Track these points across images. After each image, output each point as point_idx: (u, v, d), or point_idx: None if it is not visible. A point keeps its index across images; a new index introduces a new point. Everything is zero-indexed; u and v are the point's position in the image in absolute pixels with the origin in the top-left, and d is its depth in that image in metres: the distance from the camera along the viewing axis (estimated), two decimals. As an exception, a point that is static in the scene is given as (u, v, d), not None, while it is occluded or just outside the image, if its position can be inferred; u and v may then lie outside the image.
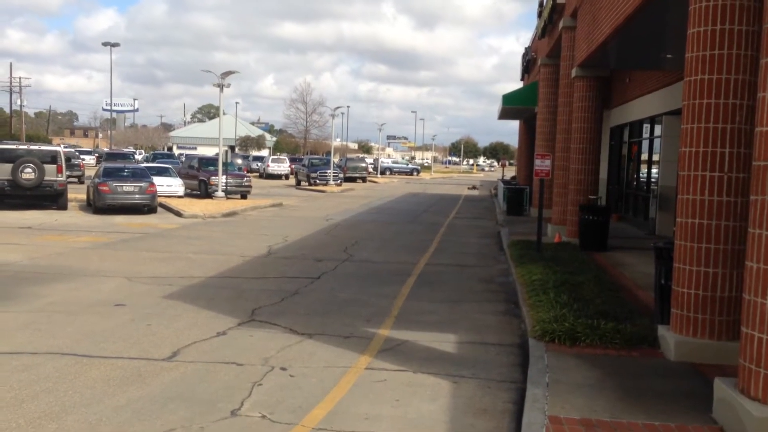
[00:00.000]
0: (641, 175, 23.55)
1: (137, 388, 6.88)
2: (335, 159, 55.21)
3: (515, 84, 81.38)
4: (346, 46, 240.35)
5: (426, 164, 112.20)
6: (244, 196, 32.89)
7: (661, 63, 16.98)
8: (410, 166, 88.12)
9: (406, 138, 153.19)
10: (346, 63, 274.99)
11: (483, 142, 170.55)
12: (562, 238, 18.17)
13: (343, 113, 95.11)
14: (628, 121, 24.29)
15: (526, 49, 36.21)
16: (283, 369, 7.58)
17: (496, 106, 39.21)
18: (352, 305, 10.92)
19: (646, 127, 22.61)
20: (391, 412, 6.47)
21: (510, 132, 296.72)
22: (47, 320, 9.35)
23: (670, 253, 8.43)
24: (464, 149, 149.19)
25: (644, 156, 23.21)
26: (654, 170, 21.52)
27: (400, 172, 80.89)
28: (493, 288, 12.92)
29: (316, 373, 7.52)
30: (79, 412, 6.19)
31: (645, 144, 22.95)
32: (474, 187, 48.27)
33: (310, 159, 54.93)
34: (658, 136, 20.90)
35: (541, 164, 15.93)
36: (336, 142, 74.95)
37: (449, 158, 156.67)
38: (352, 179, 55.48)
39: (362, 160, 65.78)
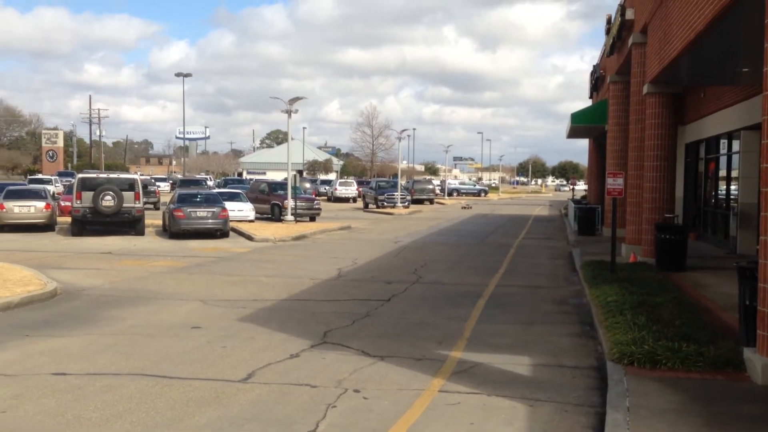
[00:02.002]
0: (720, 192, 22.76)
1: (215, 408, 7.00)
2: (402, 181, 55.37)
3: (581, 103, 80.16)
4: (408, 69, 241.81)
5: (493, 185, 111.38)
6: (313, 219, 33.40)
7: (736, 78, 16.45)
8: (477, 187, 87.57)
9: (472, 159, 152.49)
10: (410, 86, 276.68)
11: (551, 162, 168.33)
12: (638, 258, 17.69)
13: (409, 135, 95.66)
14: (703, 137, 23.55)
15: (594, 66, 35.69)
16: (357, 391, 7.60)
17: (563, 125, 38.65)
18: (424, 327, 10.87)
19: (723, 142, 21.88)
20: (466, 436, 6.38)
21: (579, 151, 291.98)
22: (128, 342, 9.64)
23: (754, 272, 8.09)
24: (532, 169, 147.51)
25: (722, 172, 22.43)
26: (733, 187, 20.77)
27: (467, 193, 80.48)
28: (566, 309, 12.66)
29: (389, 395, 7.50)
30: (161, 432, 6.35)
31: (723, 160, 22.19)
32: (468, 206, 49.05)
33: (377, 182, 55.28)
34: (736, 152, 20.19)
35: (614, 183, 15.59)
36: (403, 165, 75.28)
37: (517, 178, 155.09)
38: (420, 201, 55.50)
39: (429, 182, 65.78)
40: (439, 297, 13.67)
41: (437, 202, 59.70)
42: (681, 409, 6.80)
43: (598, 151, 38.70)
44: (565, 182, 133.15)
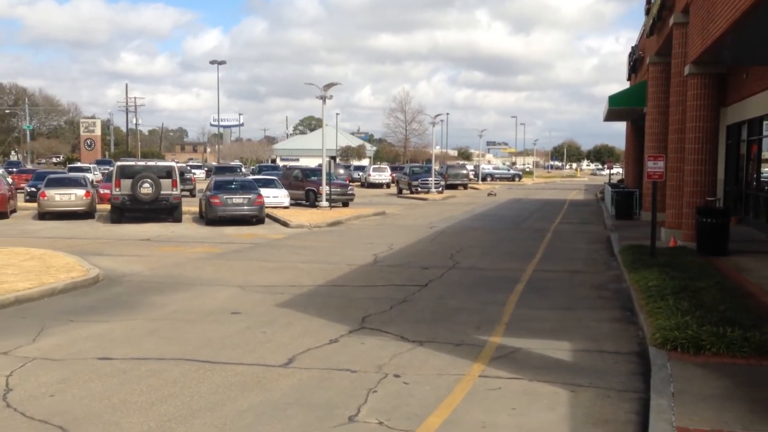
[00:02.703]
0: (762, 175, 22.23)
1: (257, 393, 7.07)
2: (436, 166, 55.17)
3: (617, 85, 78.79)
4: (441, 54, 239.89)
5: (527, 169, 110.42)
6: (346, 204, 33.53)
7: (782, 56, 16.00)
8: (511, 171, 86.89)
9: (506, 143, 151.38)
10: (442, 71, 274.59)
11: (586, 145, 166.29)
12: (678, 242, 17.39)
13: (442, 120, 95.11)
14: (746, 119, 23.00)
15: (632, 47, 35.05)
16: (397, 376, 7.61)
17: (599, 108, 38.10)
18: (462, 312, 10.84)
19: (767, 124, 21.34)
20: (509, 421, 6.36)
21: (615, 134, 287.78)
22: (170, 328, 9.78)
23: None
24: (567, 153, 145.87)
25: (765, 155, 21.90)
26: (776, 169, 20.27)
27: (501, 178, 79.94)
28: (606, 295, 12.51)
29: (429, 380, 7.50)
30: (205, 416, 6.43)
31: (766, 142, 21.66)
32: (493, 192, 46.55)
33: (411, 167, 55.16)
34: (780, 133, 19.68)
35: (654, 166, 15.32)
36: (436, 150, 74.97)
37: (551, 162, 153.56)
38: (454, 186, 55.29)
39: (463, 167, 65.45)
40: (476, 282, 13.62)
41: (471, 187, 59.40)
42: (726, 394, 6.69)
43: (636, 134, 38.09)
44: (601, 166, 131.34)
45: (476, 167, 78.89)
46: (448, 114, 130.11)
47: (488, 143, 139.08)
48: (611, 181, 44.92)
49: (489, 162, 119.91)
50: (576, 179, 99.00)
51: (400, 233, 22.55)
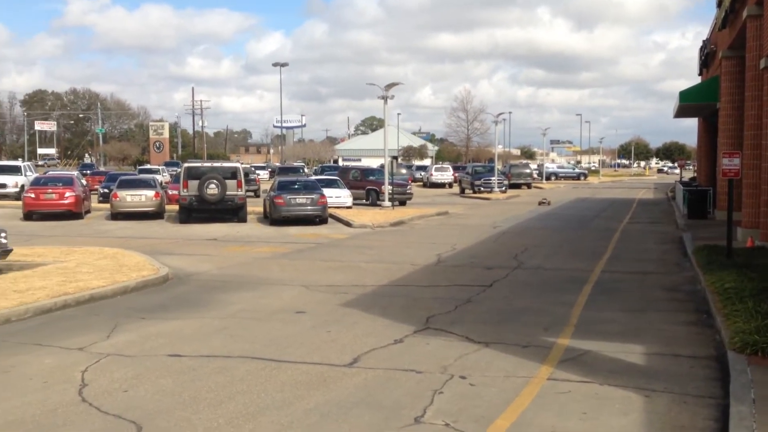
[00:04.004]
0: None
1: (323, 392, 7.08)
2: (499, 166, 54.59)
3: (686, 81, 76.34)
4: (501, 53, 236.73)
5: (593, 168, 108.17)
6: (403, 203, 33.58)
7: None
8: (576, 170, 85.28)
9: (570, 142, 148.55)
10: (504, 69, 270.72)
11: (655, 143, 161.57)
12: (755, 242, 16.69)
13: (504, 119, 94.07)
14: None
15: (703, 41, 33.89)
16: (463, 377, 7.50)
17: (667, 105, 37.01)
18: (528, 313, 10.65)
19: None
20: (579, 426, 6.18)
21: (685, 131, 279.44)
22: (237, 326, 9.91)
23: None
24: (634, 151, 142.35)
25: None
26: None
27: (566, 177, 78.56)
28: (679, 297, 12.10)
29: (496, 382, 7.37)
30: (272, 413, 6.46)
31: None
32: (545, 201, 37.42)
33: (473, 167, 54.74)
34: None
35: (730, 163, 14.74)
36: (498, 149, 74.20)
37: (618, 161, 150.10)
38: (517, 186, 54.61)
39: (526, 165, 64.61)
40: (542, 283, 13.37)
41: (535, 187, 58.56)
42: (814, 403, 6.34)
43: (708, 131, 36.82)
44: (671, 163, 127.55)
45: (540, 166, 77.73)
46: (510, 113, 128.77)
47: (552, 142, 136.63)
48: (683, 179, 43.52)
49: (553, 161, 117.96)
50: (645, 178, 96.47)
51: (463, 233, 22.36)
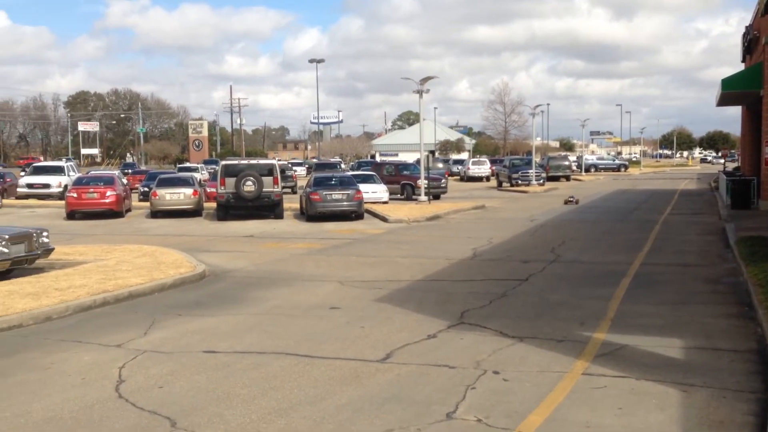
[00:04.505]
0: None
1: (355, 388, 7.08)
2: (537, 158, 54.04)
3: (730, 68, 74.54)
4: (539, 44, 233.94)
5: (634, 159, 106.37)
6: (437, 197, 33.47)
7: None
8: (617, 161, 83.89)
9: (610, 133, 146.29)
10: (542, 61, 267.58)
11: (698, 132, 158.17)
12: (800, 232, 16.23)
13: (542, 111, 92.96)
14: None
15: (746, 27, 33.02)
16: (496, 373, 7.43)
17: (710, 93, 36.12)
18: (564, 307, 10.51)
19: None
20: (615, 422, 6.07)
21: (729, 120, 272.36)
22: (271, 322, 9.98)
23: None
24: (677, 141, 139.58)
25: None
26: None
27: (605, 169, 77.36)
28: (720, 289, 11.82)
29: (530, 377, 7.28)
30: (305, 409, 6.49)
31: None
32: (572, 198, 31.83)
33: (510, 160, 54.29)
34: None
35: (772, 151, 14.32)
36: (537, 141, 73.46)
37: (660, 151, 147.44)
38: (555, 178, 53.97)
39: (565, 158, 63.80)
40: (579, 276, 13.19)
41: (574, 179, 57.84)
42: None
43: (752, 119, 35.88)
44: (715, 153, 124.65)
45: (579, 158, 76.68)
46: (548, 104, 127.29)
47: (592, 133, 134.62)
48: (726, 168, 42.50)
49: (593, 152, 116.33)
50: (687, 168, 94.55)
51: (500, 227, 22.18)
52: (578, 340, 8.66)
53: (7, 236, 13.12)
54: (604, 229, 21.42)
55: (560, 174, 55.44)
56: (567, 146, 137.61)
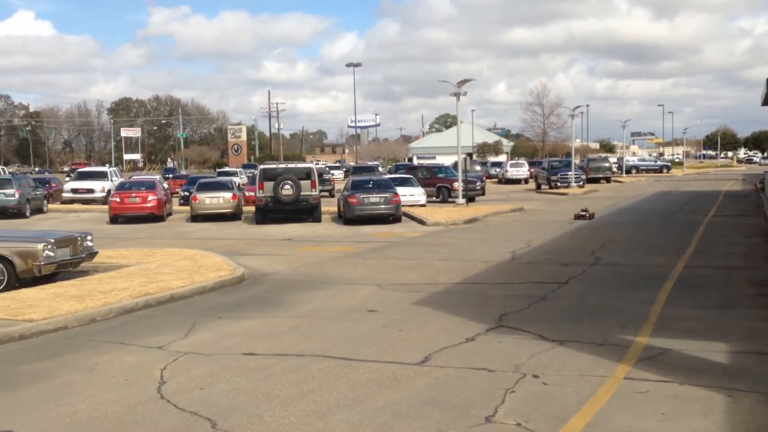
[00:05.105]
0: None
1: (393, 391, 7.07)
2: (576, 160, 53.43)
3: (778, 65, 72.58)
4: (578, 45, 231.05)
5: (677, 160, 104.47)
6: (472, 199, 33.32)
7: None
8: (659, 162, 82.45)
9: (652, 134, 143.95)
10: (580, 62, 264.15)
11: (743, 132, 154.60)
12: None
13: (582, 112, 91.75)
14: None
15: (792, 23, 32.18)
16: (536, 376, 7.36)
17: (755, 93, 35.31)
18: (605, 311, 10.36)
19: None
20: (658, 427, 5.96)
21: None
22: (309, 325, 10.03)
23: None
24: (721, 141, 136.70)
25: None
26: None
27: (647, 170, 76.07)
28: (767, 292, 11.52)
29: (570, 381, 7.19)
30: (343, 412, 6.50)
31: None
32: (585, 212, 25.18)
33: (549, 161, 53.80)
34: None
35: (821, 150, 13.94)
36: (576, 143, 72.63)
37: (703, 152, 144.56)
38: (595, 180, 53.27)
39: (605, 159, 62.98)
40: (620, 279, 12.99)
41: (615, 180, 57.05)
42: None
43: (798, 118, 34.96)
44: (761, 153, 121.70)
45: (620, 159, 75.62)
46: (588, 105, 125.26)
47: (633, 134, 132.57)
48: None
49: (634, 153, 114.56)
50: (732, 169, 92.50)
51: (539, 229, 21.97)
52: (620, 344, 8.52)
53: (52, 240, 13.43)
54: (646, 231, 21.07)
55: (600, 176, 54.71)
56: (607, 148, 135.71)
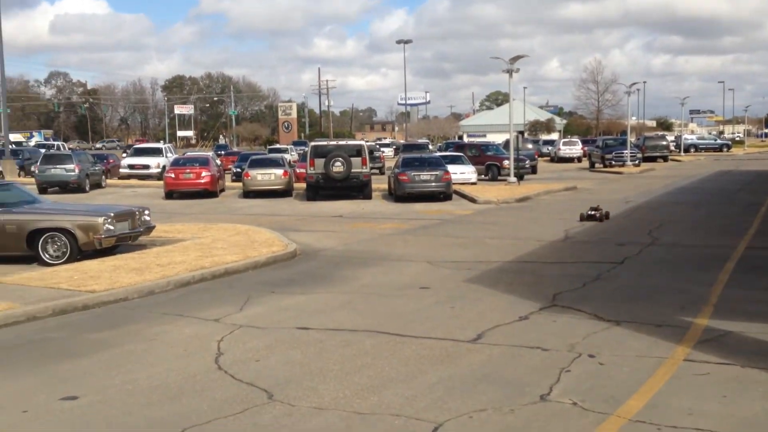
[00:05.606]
0: None
1: (446, 367, 7.07)
2: (632, 138, 52.21)
3: None
4: (633, 20, 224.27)
5: (737, 138, 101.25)
6: (521, 178, 32.92)
7: None
8: (718, 141, 79.99)
9: (711, 111, 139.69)
10: (636, 37, 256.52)
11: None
12: None
13: (638, 89, 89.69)
14: None
15: None
16: (591, 356, 7.26)
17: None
18: (662, 292, 10.15)
19: None
20: (719, 409, 5.82)
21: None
22: (361, 301, 10.08)
23: None
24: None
25: None
26: None
27: (706, 149, 73.91)
28: (834, 275, 11.13)
29: (627, 362, 7.08)
30: (397, 386, 6.53)
31: None
32: (595, 211, 18.73)
33: (604, 140, 52.71)
34: None
35: None
36: (632, 121, 70.99)
37: (765, 130, 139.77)
38: (652, 159, 51.96)
39: (662, 137, 61.34)
40: (678, 260, 12.70)
41: (672, 159, 55.58)
42: None
43: None
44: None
45: (678, 137, 73.61)
46: (644, 82, 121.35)
47: (691, 112, 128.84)
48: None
49: (692, 132, 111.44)
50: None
51: (593, 208, 21.56)
52: (678, 325, 8.34)
53: (112, 214, 13.78)
54: (705, 211, 20.53)
55: (657, 154, 53.32)
56: (664, 126, 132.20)
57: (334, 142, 28.31)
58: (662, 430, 5.47)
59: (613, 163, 45.10)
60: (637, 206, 22.13)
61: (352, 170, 25.62)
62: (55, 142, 67.21)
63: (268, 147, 60.11)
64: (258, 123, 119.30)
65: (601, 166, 45.72)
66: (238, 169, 34.13)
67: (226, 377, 6.87)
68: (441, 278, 11.54)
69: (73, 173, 30.74)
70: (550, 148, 61.24)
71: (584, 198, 25.52)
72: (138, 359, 7.51)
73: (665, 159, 53.93)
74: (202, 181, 28.17)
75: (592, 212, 18.79)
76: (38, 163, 32.35)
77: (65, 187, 30.56)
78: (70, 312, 9.57)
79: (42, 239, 13.22)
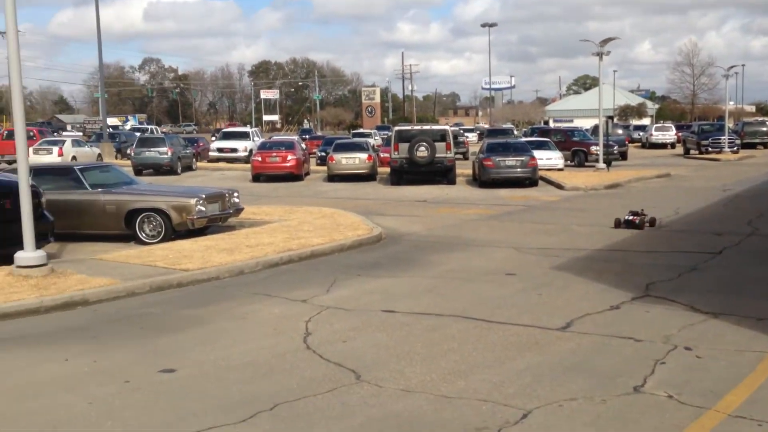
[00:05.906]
0: None
1: (534, 354, 6.97)
2: (729, 124, 49.84)
3: None
4: (731, 1, 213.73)
5: None
6: (609, 164, 31.91)
7: None
8: (824, 127, 75.30)
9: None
10: (735, 18, 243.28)
11: None
12: None
13: (737, 73, 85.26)
14: None
15: None
16: (688, 349, 6.99)
17: None
18: (763, 284, 9.68)
19: None
20: (828, 410, 5.51)
21: None
22: (446, 285, 10.05)
23: None
24: None
25: None
26: None
27: (809, 135, 69.70)
28: None
29: (725, 355, 6.79)
30: (483, 372, 6.48)
31: None
32: (637, 215, 14.66)
33: (699, 125, 50.49)
34: None
35: None
36: (730, 106, 67.72)
37: None
38: (751, 145, 49.42)
39: (763, 123, 58.13)
40: (780, 251, 12.07)
41: (773, 146, 52.74)
42: None
43: None
44: None
45: (778, 123, 69.71)
46: (743, 65, 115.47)
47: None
48: None
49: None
50: None
51: (688, 196, 20.78)
52: (782, 319, 7.94)
53: (204, 195, 14.22)
54: (809, 200, 19.43)
55: (757, 141, 50.70)
56: (765, 111, 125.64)
57: (418, 127, 28.23)
58: (763, 426, 5.23)
59: (710, 149, 43.20)
60: (736, 194, 21.15)
61: (437, 155, 25.48)
62: (149, 126, 69.85)
63: (352, 131, 60.58)
64: (341, 108, 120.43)
65: (697, 152, 43.88)
66: (323, 153, 34.56)
67: (314, 357, 6.98)
68: (527, 265, 11.37)
69: (166, 156, 31.85)
70: (641, 133, 59.20)
71: (679, 185, 24.62)
72: (230, 336, 7.74)
73: (766, 146, 51.25)
74: (288, 164, 28.66)
75: (631, 217, 14.79)
76: (134, 146, 33.68)
77: (158, 169, 31.72)
78: (166, 289, 9.95)
79: (139, 219, 13.78)
